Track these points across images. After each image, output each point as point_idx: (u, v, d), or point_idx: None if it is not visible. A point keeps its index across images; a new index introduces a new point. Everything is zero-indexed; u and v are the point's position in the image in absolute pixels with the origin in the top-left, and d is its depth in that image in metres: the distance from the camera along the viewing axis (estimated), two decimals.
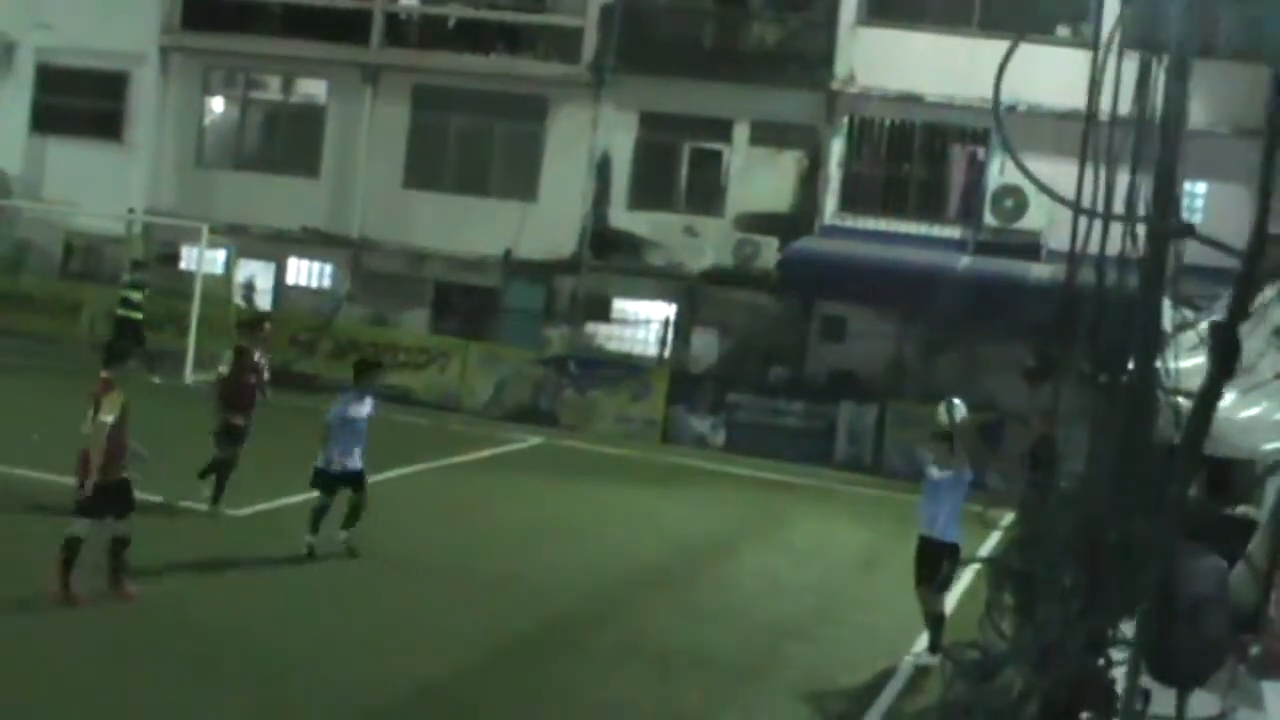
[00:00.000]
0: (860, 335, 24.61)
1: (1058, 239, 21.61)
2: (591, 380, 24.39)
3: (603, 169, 26.43)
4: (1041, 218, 22.99)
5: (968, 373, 22.77)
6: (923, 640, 11.92)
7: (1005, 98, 6.03)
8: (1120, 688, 5.71)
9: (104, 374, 11.08)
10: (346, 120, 27.77)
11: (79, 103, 28.71)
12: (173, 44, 28.57)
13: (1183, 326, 6.33)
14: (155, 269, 26.13)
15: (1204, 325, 6.29)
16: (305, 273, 28.51)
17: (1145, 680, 5.71)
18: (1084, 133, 5.84)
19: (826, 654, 12.08)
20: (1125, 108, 5.71)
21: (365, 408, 13.25)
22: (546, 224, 26.38)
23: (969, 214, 24.72)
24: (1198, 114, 6.27)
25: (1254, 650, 7.45)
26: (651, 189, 26.49)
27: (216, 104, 29.29)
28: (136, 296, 23.26)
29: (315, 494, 13.09)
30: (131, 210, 27.67)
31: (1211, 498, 8.49)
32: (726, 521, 17.90)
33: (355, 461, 13.08)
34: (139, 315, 23.21)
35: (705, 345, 25.88)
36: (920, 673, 11.47)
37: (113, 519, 10.86)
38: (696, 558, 15.50)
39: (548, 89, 26.67)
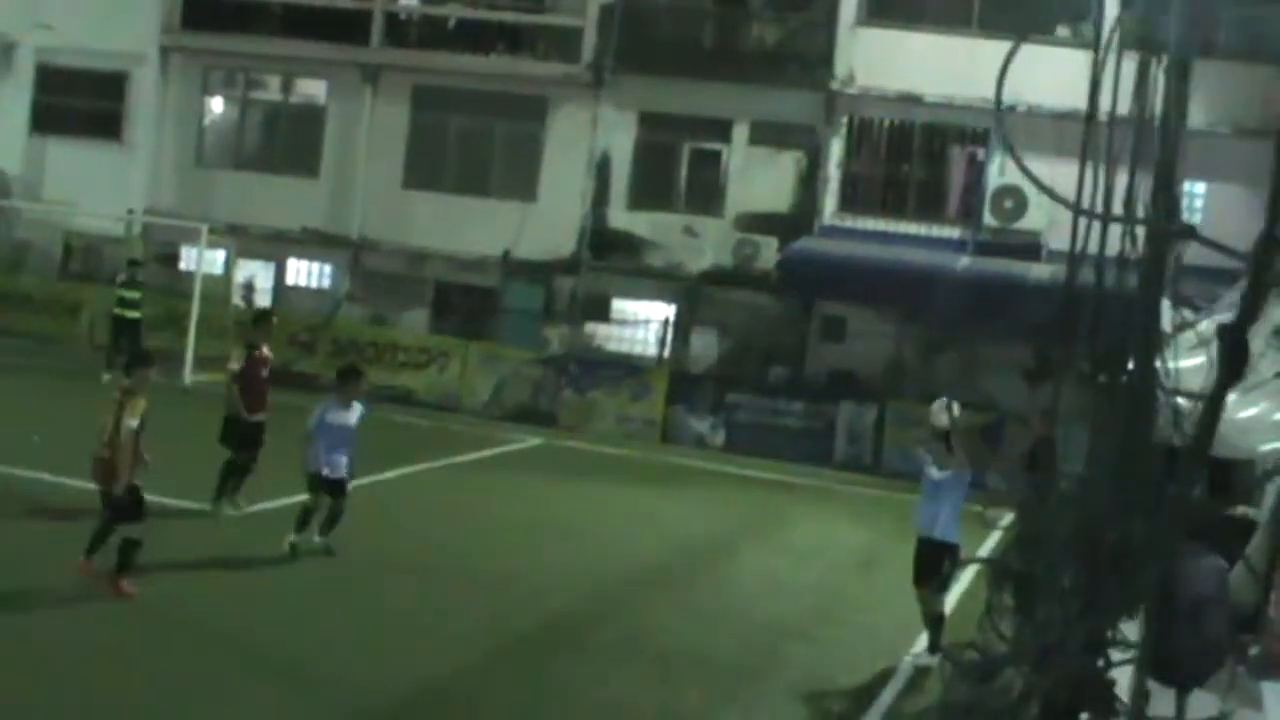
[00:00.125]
0: (860, 335, 24.62)
1: (1057, 239, 21.63)
2: (591, 380, 24.40)
3: (602, 169, 26.44)
4: (1041, 218, 23.01)
5: (967, 373, 22.80)
6: (922, 640, 11.92)
7: (1005, 98, 6.02)
8: (1120, 688, 5.71)
9: (124, 383, 11.12)
10: (346, 120, 27.78)
11: (79, 103, 28.72)
12: (172, 44, 28.58)
13: (1182, 327, 6.33)
14: (155, 269, 26.16)
15: (1203, 325, 6.29)
16: (305, 273, 28.52)
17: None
18: (1084, 133, 5.84)
19: (826, 654, 12.08)
20: (1125, 108, 5.71)
21: (351, 415, 13.12)
22: (546, 224, 26.40)
23: (968, 214, 24.74)
24: (1197, 114, 6.27)
25: (1253, 651, 7.46)
26: (651, 189, 26.51)
27: (216, 104, 29.30)
28: (132, 296, 23.26)
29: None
30: (131, 210, 27.69)
31: (1211, 498, 8.48)
32: (726, 521, 17.90)
33: (340, 470, 13.02)
34: (137, 315, 23.20)
35: (705, 345, 25.88)
36: (920, 673, 11.47)
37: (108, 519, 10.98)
38: (696, 558, 15.50)
39: (547, 89, 26.68)
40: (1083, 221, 5.87)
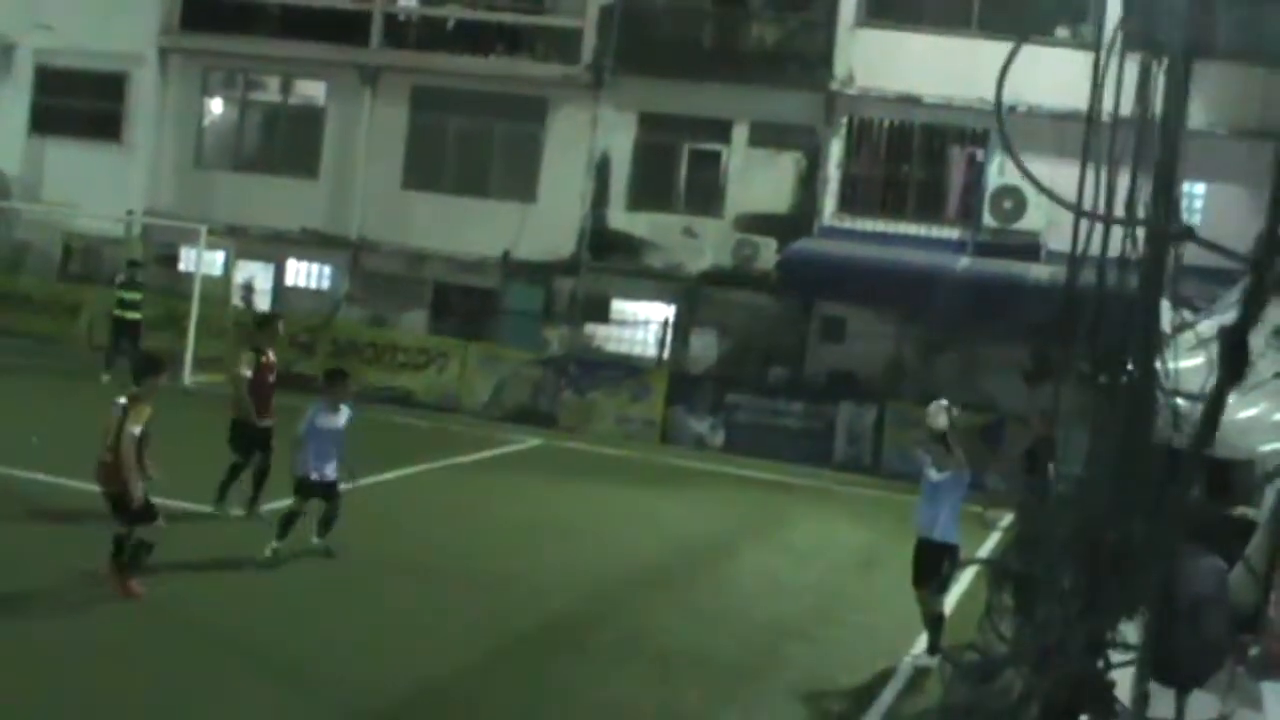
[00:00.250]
0: (859, 336, 24.62)
1: (1057, 240, 21.65)
2: (591, 381, 24.40)
3: (602, 170, 26.45)
4: (1040, 218, 23.02)
5: (967, 373, 22.82)
6: (922, 641, 11.92)
7: (1005, 99, 6.02)
8: (1120, 689, 5.71)
9: (133, 390, 11.10)
10: (345, 121, 27.79)
11: (78, 104, 28.73)
12: (172, 45, 28.58)
13: (1182, 327, 6.33)
14: (154, 270, 26.15)
15: (1203, 326, 6.30)
16: (304, 274, 28.52)
17: None
18: (1085, 134, 5.85)
19: (826, 654, 12.08)
20: (1125, 109, 5.72)
21: (339, 418, 13.06)
22: (545, 225, 26.40)
23: (968, 215, 24.74)
24: (1197, 115, 6.27)
25: (1253, 651, 7.47)
26: (650, 190, 26.51)
27: (215, 105, 29.30)
28: (133, 297, 23.26)
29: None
30: (130, 211, 27.70)
31: (1211, 499, 8.49)
32: (726, 522, 17.90)
33: (330, 473, 12.99)
34: (137, 316, 23.21)
35: (704, 346, 25.89)
36: (920, 674, 11.48)
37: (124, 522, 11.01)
38: (696, 558, 15.50)
39: (547, 90, 26.69)
40: (1083, 222, 5.87)
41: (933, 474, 11.88)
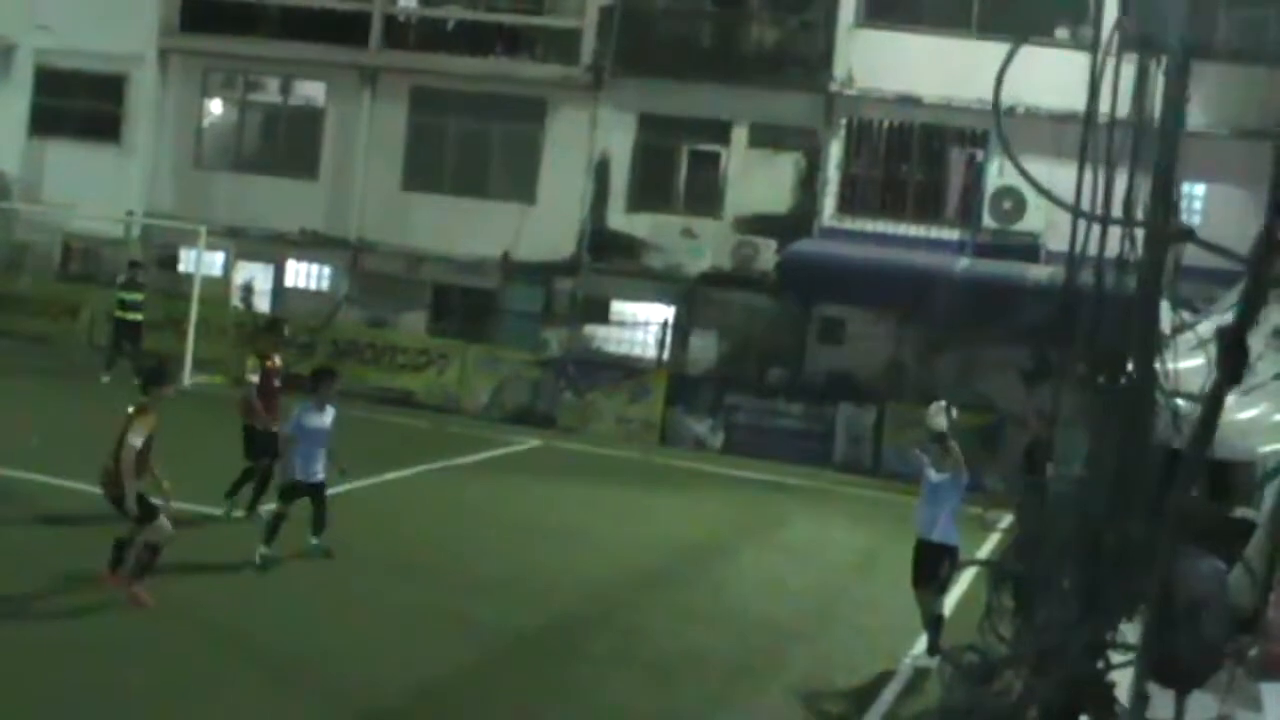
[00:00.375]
0: (859, 337, 24.62)
1: (1056, 241, 21.65)
2: (590, 382, 24.39)
3: (601, 171, 26.45)
4: (1040, 219, 23.03)
5: (966, 374, 22.81)
6: (922, 642, 11.92)
7: (1004, 100, 6.02)
8: (1119, 690, 5.71)
9: (142, 400, 11.08)
10: (345, 122, 27.80)
11: (77, 105, 28.74)
12: (171, 46, 28.58)
13: (1181, 328, 6.33)
14: (154, 271, 26.15)
15: (1202, 327, 6.29)
16: (304, 275, 28.52)
17: None
18: (1083, 135, 5.85)
19: (825, 655, 12.08)
20: (1124, 110, 5.72)
21: (325, 417, 13.02)
22: (545, 226, 26.41)
23: (967, 216, 24.76)
24: (1196, 115, 6.27)
25: (1252, 652, 7.46)
26: (650, 191, 26.52)
27: (215, 106, 29.31)
28: (133, 298, 23.25)
29: (307, 501, 13.02)
30: (130, 212, 27.70)
31: (1210, 500, 8.48)
32: (725, 523, 17.90)
33: (318, 473, 12.96)
34: (138, 316, 23.21)
35: (704, 347, 25.89)
36: (919, 675, 11.47)
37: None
38: (695, 559, 15.50)
39: (546, 91, 26.69)
40: (1082, 223, 5.87)
41: (932, 475, 11.89)
